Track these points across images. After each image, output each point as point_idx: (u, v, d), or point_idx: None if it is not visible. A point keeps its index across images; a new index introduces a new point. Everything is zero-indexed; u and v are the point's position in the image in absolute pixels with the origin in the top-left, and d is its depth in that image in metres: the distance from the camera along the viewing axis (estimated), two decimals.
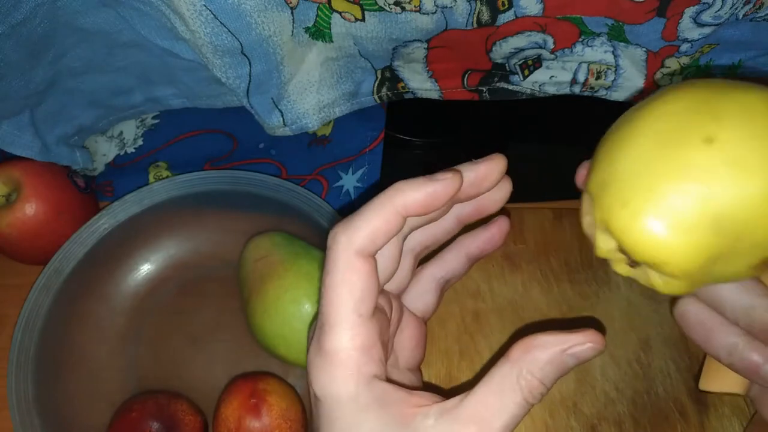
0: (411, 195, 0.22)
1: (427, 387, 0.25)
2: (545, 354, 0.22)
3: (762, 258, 0.20)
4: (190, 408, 0.38)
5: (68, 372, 0.40)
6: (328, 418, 0.22)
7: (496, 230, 0.29)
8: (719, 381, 0.28)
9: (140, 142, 0.51)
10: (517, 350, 0.22)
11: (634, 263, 0.22)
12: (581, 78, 0.44)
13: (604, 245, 0.22)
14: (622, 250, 0.21)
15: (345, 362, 0.21)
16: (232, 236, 0.43)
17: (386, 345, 0.24)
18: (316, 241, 0.41)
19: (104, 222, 0.42)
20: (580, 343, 0.22)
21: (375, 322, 0.22)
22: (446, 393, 0.23)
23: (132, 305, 0.44)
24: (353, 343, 0.22)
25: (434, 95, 0.47)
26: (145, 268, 0.45)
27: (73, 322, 0.41)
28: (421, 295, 0.28)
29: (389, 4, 0.37)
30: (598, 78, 0.44)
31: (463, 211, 0.27)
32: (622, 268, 0.23)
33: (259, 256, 0.39)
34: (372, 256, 0.23)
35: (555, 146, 0.48)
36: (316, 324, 0.23)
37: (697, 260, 0.20)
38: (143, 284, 0.44)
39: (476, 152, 0.52)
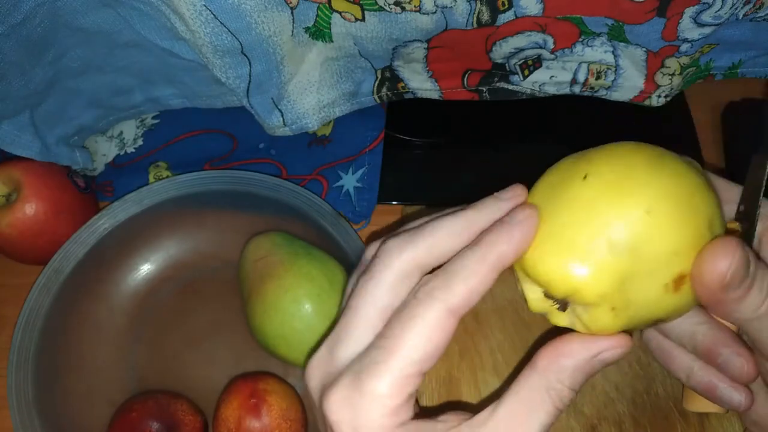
0: (506, 249, 0.21)
1: (452, 405, 0.25)
2: (573, 362, 0.21)
3: (673, 275, 0.21)
4: (190, 408, 0.38)
5: (68, 372, 0.40)
6: None
7: None
8: (699, 401, 0.28)
9: (140, 142, 0.51)
10: (544, 359, 0.22)
11: (562, 304, 0.23)
12: (581, 78, 0.44)
13: (532, 295, 0.23)
14: (546, 294, 0.23)
15: (389, 409, 0.21)
16: (232, 236, 0.43)
17: None
18: (317, 241, 0.41)
19: (104, 222, 0.42)
20: (610, 348, 0.22)
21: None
22: (472, 408, 0.23)
23: (132, 305, 0.44)
24: (403, 394, 0.21)
25: (434, 95, 0.47)
26: (145, 268, 0.45)
27: (73, 322, 0.41)
28: None
29: (389, 4, 0.37)
30: (598, 78, 0.44)
31: None
32: (557, 317, 0.23)
33: (259, 256, 0.39)
34: (460, 318, 0.21)
35: (555, 146, 0.48)
36: (332, 350, 0.22)
37: (606, 281, 0.21)
38: (143, 284, 0.44)
39: (476, 152, 0.52)
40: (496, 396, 0.22)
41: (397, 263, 0.22)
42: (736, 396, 0.25)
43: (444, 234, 0.22)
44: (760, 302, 0.21)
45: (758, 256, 0.23)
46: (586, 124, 0.49)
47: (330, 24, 0.40)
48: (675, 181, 0.21)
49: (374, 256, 0.23)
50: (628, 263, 0.21)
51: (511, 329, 0.41)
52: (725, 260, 0.20)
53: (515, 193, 0.23)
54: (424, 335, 0.21)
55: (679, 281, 0.21)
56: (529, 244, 0.22)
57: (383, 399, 0.20)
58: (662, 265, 0.21)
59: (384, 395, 0.20)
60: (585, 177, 0.22)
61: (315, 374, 0.23)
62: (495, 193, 0.23)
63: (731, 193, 0.24)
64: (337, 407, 0.21)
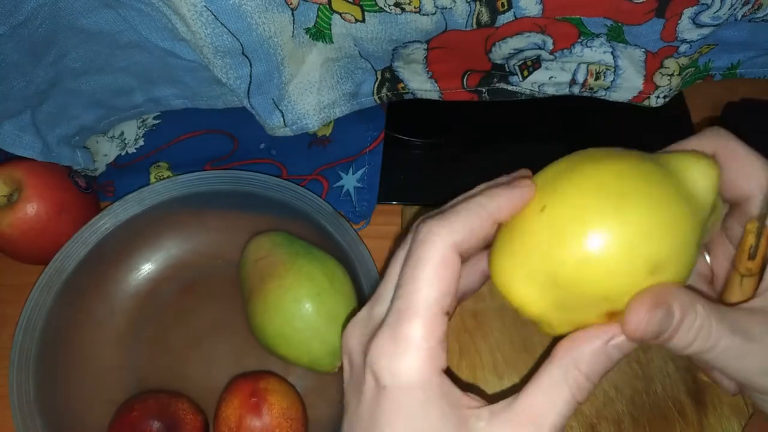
0: (502, 202, 0.23)
1: (471, 388, 0.25)
2: (589, 347, 0.22)
3: (602, 312, 0.22)
4: (190, 407, 0.38)
5: (69, 371, 0.40)
6: (396, 404, 0.22)
7: None
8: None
9: (141, 142, 0.51)
10: (561, 348, 0.22)
11: None
12: (580, 78, 0.44)
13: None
14: None
15: (424, 352, 0.21)
16: (232, 236, 0.43)
17: None
18: (317, 241, 0.41)
19: (105, 222, 0.42)
20: (618, 333, 0.22)
21: (448, 319, 0.23)
22: (490, 398, 0.23)
23: (133, 305, 0.44)
24: (434, 335, 0.22)
25: (434, 96, 0.47)
26: (146, 268, 0.45)
27: (75, 322, 0.41)
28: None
29: (389, 5, 0.37)
30: (597, 78, 0.44)
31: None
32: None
33: (260, 256, 0.40)
34: (462, 255, 0.23)
35: (554, 146, 0.48)
36: (370, 311, 0.24)
37: (541, 307, 0.23)
38: (144, 284, 0.45)
39: (476, 152, 0.52)
40: (510, 392, 0.23)
41: (437, 238, 0.23)
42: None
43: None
44: (687, 344, 0.22)
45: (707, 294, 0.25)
46: (585, 125, 0.49)
47: (330, 25, 0.40)
48: (629, 222, 0.21)
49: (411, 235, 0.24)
50: (562, 295, 0.22)
51: (511, 329, 0.41)
52: (640, 317, 0.21)
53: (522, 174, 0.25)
54: (433, 274, 0.22)
55: (611, 316, 0.22)
56: (522, 206, 0.23)
57: (417, 341, 0.21)
58: (591, 305, 0.22)
59: (417, 337, 0.21)
60: (543, 209, 0.23)
61: (355, 334, 0.24)
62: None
63: (756, 170, 0.24)
64: (378, 355, 0.22)
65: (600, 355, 0.22)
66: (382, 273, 0.29)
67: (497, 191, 0.23)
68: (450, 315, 0.23)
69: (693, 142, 0.25)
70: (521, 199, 0.23)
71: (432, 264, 0.22)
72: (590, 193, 0.22)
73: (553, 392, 0.22)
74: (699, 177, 0.23)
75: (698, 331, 0.22)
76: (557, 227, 0.22)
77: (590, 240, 0.21)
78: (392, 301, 0.23)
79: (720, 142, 0.25)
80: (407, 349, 0.22)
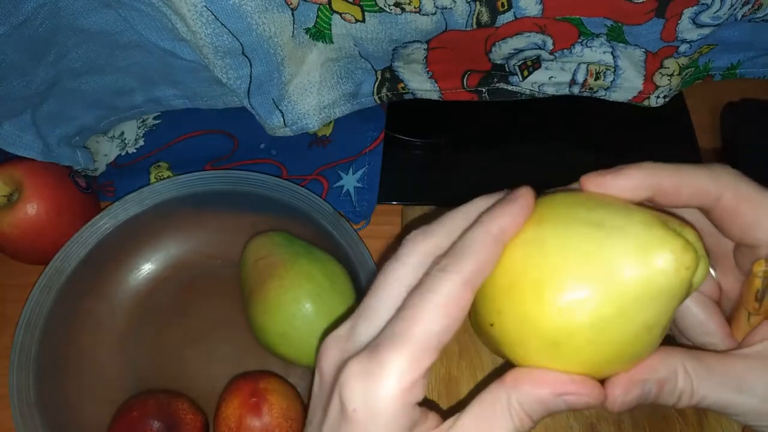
0: (506, 221, 0.22)
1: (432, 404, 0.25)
2: (536, 392, 0.21)
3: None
4: (190, 407, 0.38)
5: (69, 371, 0.40)
6: (360, 430, 0.21)
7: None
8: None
9: (141, 142, 0.51)
10: (513, 377, 0.22)
11: None
12: (580, 79, 0.44)
13: None
14: None
15: (405, 384, 0.20)
16: (232, 236, 0.43)
17: None
18: (317, 241, 0.41)
19: (105, 222, 0.42)
20: (576, 393, 0.21)
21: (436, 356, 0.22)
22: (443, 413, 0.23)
23: (133, 305, 0.44)
24: (420, 369, 0.21)
25: (434, 96, 0.47)
26: (146, 268, 0.45)
27: (75, 322, 0.41)
28: None
29: (389, 5, 0.37)
30: (597, 78, 0.44)
31: None
32: None
33: (260, 256, 0.40)
34: (474, 290, 0.22)
35: (555, 146, 0.49)
36: (352, 328, 0.23)
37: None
38: (144, 284, 0.45)
39: (476, 152, 0.52)
40: (463, 404, 0.22)
41: (420, 247, 0.23)
42: None
43: (459, 220, 0.23)
44: (673, 403, 0.23)
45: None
46: (585, 125, 0.49)
47: (330, 25, 0.40)
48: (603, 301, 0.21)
49: (400, 246, 0.23)
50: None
51: None
52: (617, 393, 0.22)
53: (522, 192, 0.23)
54: (441, 307, 0.21)
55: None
56: (527, 217, 0.23)
57: (401, 372, 0.20)
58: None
59: (402, 368, 0.20)
60: (491, 326, 0.23)
61: (331, 352, 0.23)
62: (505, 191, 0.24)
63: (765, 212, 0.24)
64: (353, 378, 0.21)
65: (545, 404, 0.22)
66: None
67: (497, 211, 0.22)
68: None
69: (703, 178, 0.24)
70: (524, 213, 0.22)
71: (444, 297, 0.21)
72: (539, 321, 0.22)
73: (497, 416, 0.21)
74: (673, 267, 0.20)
75: (680, 394, 0.23)
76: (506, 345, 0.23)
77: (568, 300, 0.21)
78: (387, 325, 0.22)
79: (731, 182, 0.24)
80: (388, 376, 0.20)
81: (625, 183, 0.24)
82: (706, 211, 0.25)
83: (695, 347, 0.26)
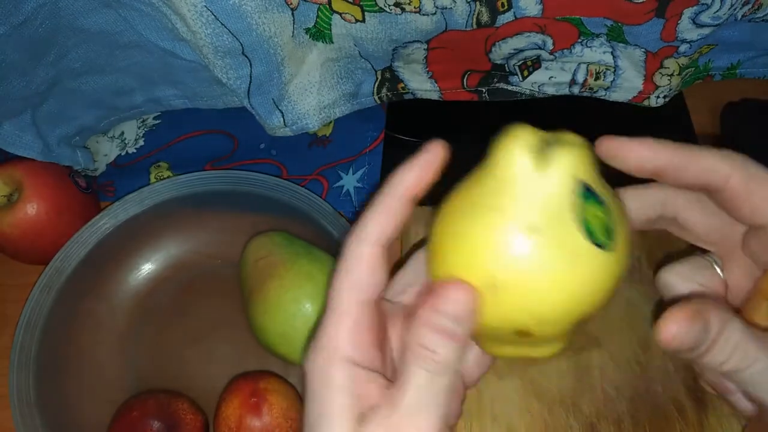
0: (407, 176, 0.24)
1: None
2: (419, 320, 0.22)
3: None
4: (191, 407, 0.38)
5: (69, 371, 0.40)
6: (308, 391, 0.22)
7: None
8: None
9: (141, 142, 0.51)
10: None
11: None
12: (580, 79, 0.44)
13: None
14: None
15: (336, 343, 0.22)
16: (232, 236, 0.43)
17: (383, 343, 0.24)
18: (317, 241, 0.41)
19: (105, 222, 0.42)
20: (449, 299, 0.21)
21: (374, 314, 0.23)
22: None
23: (133, 305, 0.44)
24: (345, 328, 0.22)
25: (434, 96, 0.47)
26: (146, 268, 0.45)
27: (74, 322, 0.41)
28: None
29: (389, 5, 0.37)
30: (597, 78, 0.44)
31: None
32: None
33: (260, 256, 0.40)
34: (381, 246, 0.23)
35: None
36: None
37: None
38: (144, 284, 0.45)
39: (476, 152, 0.52)
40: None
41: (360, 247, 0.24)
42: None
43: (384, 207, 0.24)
44: (723, 360, 0.22)
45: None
46: (585, 125, 0.49)
47: (330, 25, 0.40)
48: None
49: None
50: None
51: None
52: (672, 327, 0.21)
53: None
54: (348, 271, 0.23)
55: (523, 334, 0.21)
56: (432, 172, 0.24)
57: (330, 335, 0.22)
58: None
59: (330, 332, 0.22)
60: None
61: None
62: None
63: None
64: (307, 357, 0.22)
65: (430, 326, 0.22)
66: None
67: (403, 169, 0.24)
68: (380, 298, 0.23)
69: (713, 157, 0.24)
70: (429, 165, 0.24)
71: (344, 261, 0.23)
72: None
73: (407, 367, 0.22)
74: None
75: (734, 349, 0.22)
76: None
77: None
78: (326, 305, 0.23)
79: (740, 163, 0.24)
80: (323, 340, 0.22)
81: (638, 150, 0.24)
82: (714, 192, 0.24)
83: None
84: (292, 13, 0.39)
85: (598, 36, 0.41)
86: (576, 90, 0.45)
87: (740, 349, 0.22)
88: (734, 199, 0.24)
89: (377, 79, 0.46)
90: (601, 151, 0.25)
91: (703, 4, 0.36)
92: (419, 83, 0.46)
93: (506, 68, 0.44)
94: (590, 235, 0.19)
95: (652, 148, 0.24)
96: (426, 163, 0.24)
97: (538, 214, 0.20)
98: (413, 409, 0.21)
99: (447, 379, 0.21)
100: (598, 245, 0.19)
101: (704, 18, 0.38)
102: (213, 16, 0.36)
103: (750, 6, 0.39)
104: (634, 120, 0.47)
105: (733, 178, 0.23)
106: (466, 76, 0.45)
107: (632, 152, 0.24)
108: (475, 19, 0.38)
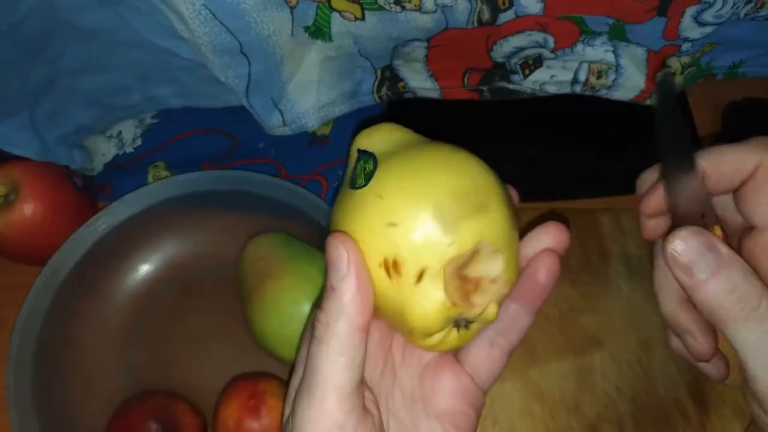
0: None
1: None
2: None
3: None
4: (189, 409, 0.38)
5: (67, 372, 0.40)
6: None
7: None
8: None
9: (139, 141, 0.51)
10: None
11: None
12: (582, 77, 0.44)
13: None
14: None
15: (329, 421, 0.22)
16: (231, 236, 0.43)
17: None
18: (316, 242, 0.41)
19: (103, 222, 0.42)
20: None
21: (361, 388, 0.24)
22: None
23: (131, 305, 0.44)
24: (339, 406, 0.23)
25: (434, 94, 0.47)
26: (144, 269, 0.45)
27: (72, 323, 0.41)
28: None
29: (389, 3, 0.37)
30: (598, 77, 0.44)
31: None
32: None
33: (259, 256, 0.39)
34: (366, 330, 0.23)
35: (555, 146, 0.48)
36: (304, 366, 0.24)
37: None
38: (142, 284, 0.44)
39: (476, 152, 0.52)
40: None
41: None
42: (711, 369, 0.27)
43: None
44: (722, 294, 0.22)
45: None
46: (585, 125, 0.49)
47: (330, 23, 0.40)
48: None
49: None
50: None
51: None
52: (677, 243, 0.22)
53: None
54: (341, 354, 0.23)
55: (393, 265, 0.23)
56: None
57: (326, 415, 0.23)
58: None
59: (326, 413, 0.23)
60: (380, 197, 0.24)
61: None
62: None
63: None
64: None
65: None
66: None
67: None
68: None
69: (738, 150, 0.25)
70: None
71: (337, 342, 0.23)
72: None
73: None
74: None
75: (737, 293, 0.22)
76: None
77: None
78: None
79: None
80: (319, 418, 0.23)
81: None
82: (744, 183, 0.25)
83: None
84: (291, 12, 0.38)
85: (599, 34, 0.40)
86: (577, 89, 0.45)
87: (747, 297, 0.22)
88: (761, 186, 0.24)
89: (377, 77, 0.46)
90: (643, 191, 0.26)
91: (705, 2, 0.36)
92: (419, 82, 0.46)
93: (507, 67, 0.44)
94: (352, 182, 0.25)
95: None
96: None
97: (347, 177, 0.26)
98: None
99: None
100: (354, 187, 0.25)
101: (706, 17, 0.37)
102: (211, 14, 0.36)
103: (753, 5, 0.39)
104: (635, 119, 0.47)
105: (761, 169, 0.24)
106: (466, 74, 0.45)
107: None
108: (476, 17, 0.37)
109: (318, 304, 0.24)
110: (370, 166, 0.25)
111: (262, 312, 0.37)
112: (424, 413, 0.27)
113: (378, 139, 0.27)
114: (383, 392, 0.27)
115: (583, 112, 0.48)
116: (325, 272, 0.24)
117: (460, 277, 0.23)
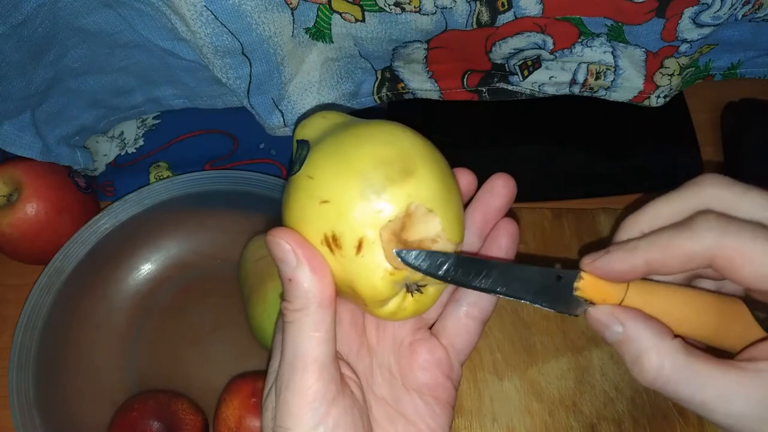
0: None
1: None
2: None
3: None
4: (190, 407, 0.38)
5: (69, 371, 0.40)
6: None
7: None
8: None
9: (141, 142, 0.51)
10: None
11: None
12: (580, 78, 0.44)
13: None
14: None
15: (305, 404, 0.23)
16: (232, 236, 0.43)
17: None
18: None
19: (105, 222, 0.42)
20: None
21: (336, 360, 0.25)
22: None
23: (133, 305, 0.44)
24: (318, 376, 0.24)
25: (434, 96, 0.47)
26: (146, 268, 0.45)
27: (74, 322, 0.41)
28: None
29: (389, 5, 0.37)
30: (597, 78, 0.44)
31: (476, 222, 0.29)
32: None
33: (260, 255, 0.40)
34: (333, 303, 0.24)
35: (555, 146, 0.48)
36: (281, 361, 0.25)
37: None
38: (144, 284, 0.45)
39: (476, 152, 0.52)
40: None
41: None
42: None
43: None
44: (638, 371, 0.24)
45: None
46: (585, 125, 0.49)
47: (330, 25, 0.40)
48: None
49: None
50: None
51: (510, 329, 0.41)
52: (599, 316, 0.24)
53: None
54: (310, 337, 0.24)
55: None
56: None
57: (304, 395, 0.24)
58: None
59: (303, 391, 0.24)
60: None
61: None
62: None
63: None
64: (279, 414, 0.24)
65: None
66: None
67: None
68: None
69: (687, 244, 0.23)
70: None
71: (307, 322, 0.24)
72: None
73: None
74: None
75: (644, 363, 0.23)
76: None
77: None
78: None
79: (715, 241, 0.22)
80: (296, 402, 0.24)
81: (619, 268, 0.24)
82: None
83: None
84: (292, 13, 0.39)
85: (598, 36, 0.41)
86: (576, 90, 0.45)
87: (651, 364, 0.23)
88: (726, 274, 0.23)
89: (377, 78, 0.46)
90: (591, 271, 0.25)
91: (703, 3, 0.36)
92: (419, 83, 0.46)
93: (506, 68, 0.44)
94: (289, 170, 0.26)
95: (625, 262, 0.24)
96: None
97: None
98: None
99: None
100: (291, 174, 0.26)
101: (705, 18, 0.37)
102: (213, 16, 0.36)
103: (750, 6, 0.39)
104: (634, 120, 0.47)
105: (717, 260, 0.22)
106: (466, 75, 0.45)
107: (613, 273, 0.24)
108: (475, 19, 0.38)
109: (282, 297, 0.25)
110: (303, 153, 0.26)
111: (263, 311, 0.37)
112: (404, 388, 0.28)
113: (312, 126, 0.28)
114: (361, 371, 0.27)
115: (582, 113, 0.48)
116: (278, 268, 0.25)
117: (401, 242, 0.23)
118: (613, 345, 0.24)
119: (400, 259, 0.23)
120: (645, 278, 0.25)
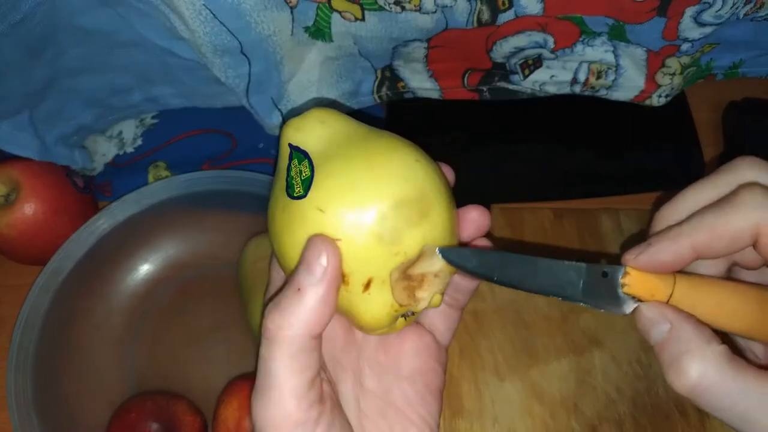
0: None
1: None
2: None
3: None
4: (189, 408, 0.38)
5: (67, 372, 0.40)
6: None
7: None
8: None
9: (139, 141, 0.51)
10: None
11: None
12: (582, 77, 0.44)
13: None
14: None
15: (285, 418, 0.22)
16: (231, 236, 0.43)
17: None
18: None
19: (103, 222, 0.42)
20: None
21: (316, 381, 0.23)
22: None
23: (131, 305, 0.44)
24: (297, 406, 0.22)
25: (434, 95, 0.47)
26: (144, 269, 0.45)
27: (72, 323, 0.41)
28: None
29: (389, 4, 0.37)
30: (598, 77, 0.44)
31: None
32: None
33: (259, 256, 0.39)
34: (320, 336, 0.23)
35: (556, 146, 0.48)
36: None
37: None
38: (142, 284, 0.44)
39: (476, 152, 0.52)
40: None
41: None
42: None
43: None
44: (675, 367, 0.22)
45: None
46: (585, 125, 0.49)
47: (330, 23, 0.40)
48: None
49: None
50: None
51: (510, 329, 0.41)
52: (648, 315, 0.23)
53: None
54: (291, 365, 0.23)
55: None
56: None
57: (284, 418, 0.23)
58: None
59: (283, 416, 0.23)
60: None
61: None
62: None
63: None
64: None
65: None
66: None
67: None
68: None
69: (733, 221, 0.22)
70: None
71: (285, 353, 0.23)
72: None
73: None
74: None
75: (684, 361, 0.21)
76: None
77: None
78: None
79: (762, 216, 0.22)
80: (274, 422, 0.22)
81: (665, 259, 0.23)
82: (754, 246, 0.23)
83: None
84: (292, 12, 0.38)
85: (599, 35, 0.40)
86: (577, 89, 0.45)
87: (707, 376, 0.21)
88: None
89: (377, 77, 0.46)
90: (636, 266, 0.24)
91: (705, 2, 0.36)
92: (419, 82, 0.46)
93: (507, 67, 0.44)
94: (289, 188, 0.24)
95: (670, 251, 0.23)
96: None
97: (276, 181, 0.25)
98: None
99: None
100: (293, 197, 0.24)
101: (706, 17, 0.37)
102: (211, 15, 0.36)
103: (752, 5, 0.39)
104: (635, 119, 0.47)
105: (763, 236, 0.22)
106: (466, 74, 0.45)
107: (659, 264, 0.23)
108: (475, 18, 0.37)
109: (273, 300, 0.23)
110: (306, 172, 0.24)
111: (262, 312, 0.37)
112: (395, 378, 0.27)
113: (311, 133, 0.25)
114: (348, 366, 0.27)
115: (583, 113, 0.48)
116: (296, 270, 0.23)
117: (405, 277, 0.23)
118: (654, 346, 0.23)
119: (446, 261, 0.23)
120: (686, 272, 0.24)
